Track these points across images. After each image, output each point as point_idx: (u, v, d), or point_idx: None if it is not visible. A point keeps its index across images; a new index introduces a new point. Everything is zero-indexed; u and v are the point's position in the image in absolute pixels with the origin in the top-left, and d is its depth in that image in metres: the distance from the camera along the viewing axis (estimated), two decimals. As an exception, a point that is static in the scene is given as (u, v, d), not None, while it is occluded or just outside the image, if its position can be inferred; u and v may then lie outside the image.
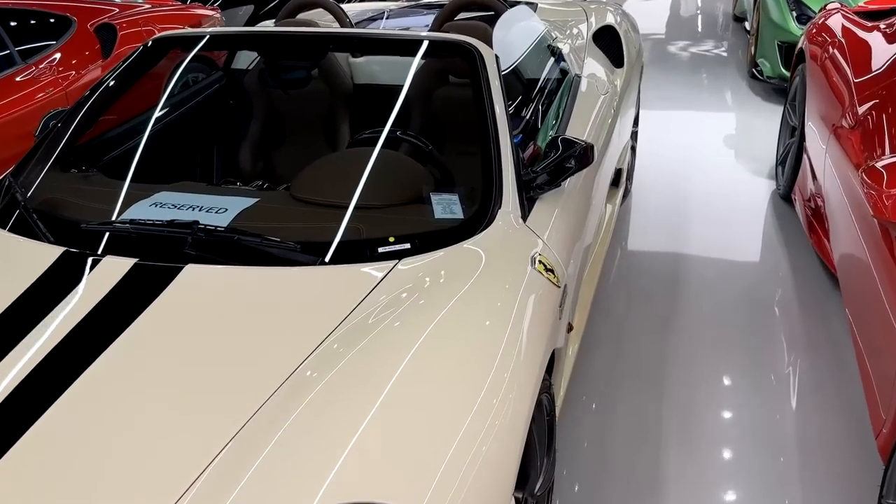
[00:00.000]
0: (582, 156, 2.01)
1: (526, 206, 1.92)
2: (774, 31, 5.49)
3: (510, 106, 2.33)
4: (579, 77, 2.88)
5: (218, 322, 1.54)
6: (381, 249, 1.71)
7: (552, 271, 1.76)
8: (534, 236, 1.85)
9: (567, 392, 2.19)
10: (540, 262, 1.75)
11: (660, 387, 2.60)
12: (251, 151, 2.90)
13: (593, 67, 3.05)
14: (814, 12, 5.18)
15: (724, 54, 7.61)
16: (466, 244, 1.74)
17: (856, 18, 3.54)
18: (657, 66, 6.91)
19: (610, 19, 3.58)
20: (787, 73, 5.31)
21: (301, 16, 3.28)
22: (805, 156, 3.49)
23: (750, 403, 2.53)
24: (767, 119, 5.21)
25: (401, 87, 2.35)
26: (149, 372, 1.43)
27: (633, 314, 3.02)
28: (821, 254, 3.17)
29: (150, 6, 4.79)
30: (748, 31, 7.05)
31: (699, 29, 8.90)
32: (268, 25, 3.23)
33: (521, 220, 1.87)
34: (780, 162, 4.04)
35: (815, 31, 3.83)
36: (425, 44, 2.29)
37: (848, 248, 2.58)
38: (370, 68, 3.13)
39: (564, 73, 2.84)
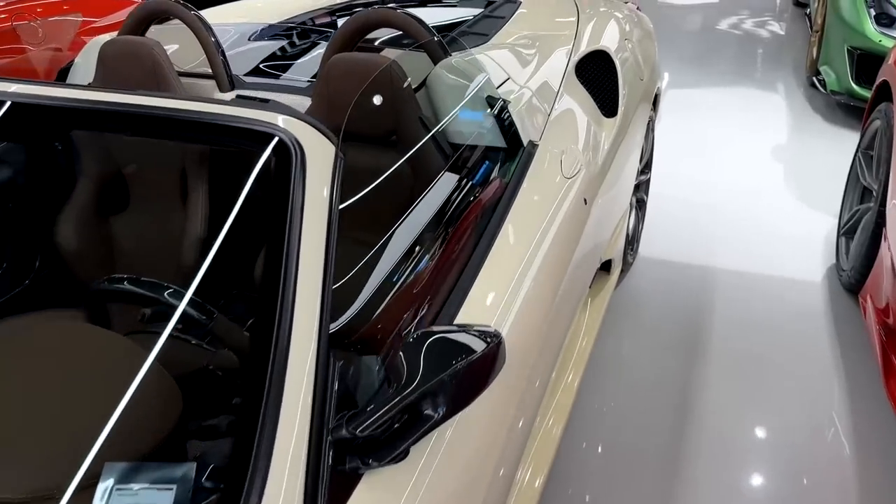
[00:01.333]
0: (464, 381, 1.01)
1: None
2: (845, 32, 4.29)
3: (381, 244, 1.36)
4: (535, 147, 1.84)
5: None
6: None
7: None
8: None
9: None
10: None
11: None
12: (74, 229, 2.00)
13: (564, 126, 2.00)
14: (902, 13, 3.98)
15: (777, 50, 6.35)
16: None
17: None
18: (687, 63, 5.72)
19: (607, 39, 2.49)
20: (858, 90, 4.15)
21: (155, 30, 2.29)
22: (885, 245, 2.39)
23: None
24: (829, 150, 4.06)
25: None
26: None
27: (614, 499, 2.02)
28: (901, 413, 2.10)
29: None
30: (810, 24, 5.80)
31: (748, 13, 7.59)
32: (98, 43, 2.26)
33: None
34: (845, 231, 2.94)
35: (908, 54, 2.69)
36: (228, 126, 1.29)
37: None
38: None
39: (513, 143, 1.81)
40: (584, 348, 2.22)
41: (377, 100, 1.77)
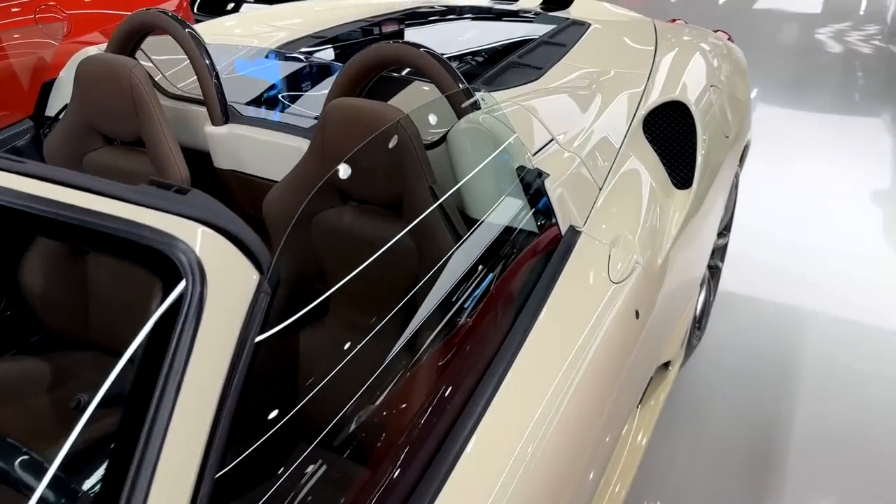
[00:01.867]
0: None
1: None
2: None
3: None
4: (577, 236, 1.41)
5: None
6: None
7: None
8: None
9: None
10: None
11: None
12: (42, 266, 1.74)
13: (618, 206, 1.55)
14: None
15: (886, 80, 5.64)
16: None
17: None
18: (777, 87, 5.10)
19: (688, 83, 2.02)
20: None
21: (150, 43, 1.97)
22: None
23: None
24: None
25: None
26: None
27: None
28: None
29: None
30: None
31: (852, 28, 6.84)
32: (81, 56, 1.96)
33: None
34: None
35: None
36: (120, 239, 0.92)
37: None
38: (235, 145, 1.83)
39: (550, 236, 1.39)
40: (630, 465, 1.78)
41: (379, 161, 1.39)
